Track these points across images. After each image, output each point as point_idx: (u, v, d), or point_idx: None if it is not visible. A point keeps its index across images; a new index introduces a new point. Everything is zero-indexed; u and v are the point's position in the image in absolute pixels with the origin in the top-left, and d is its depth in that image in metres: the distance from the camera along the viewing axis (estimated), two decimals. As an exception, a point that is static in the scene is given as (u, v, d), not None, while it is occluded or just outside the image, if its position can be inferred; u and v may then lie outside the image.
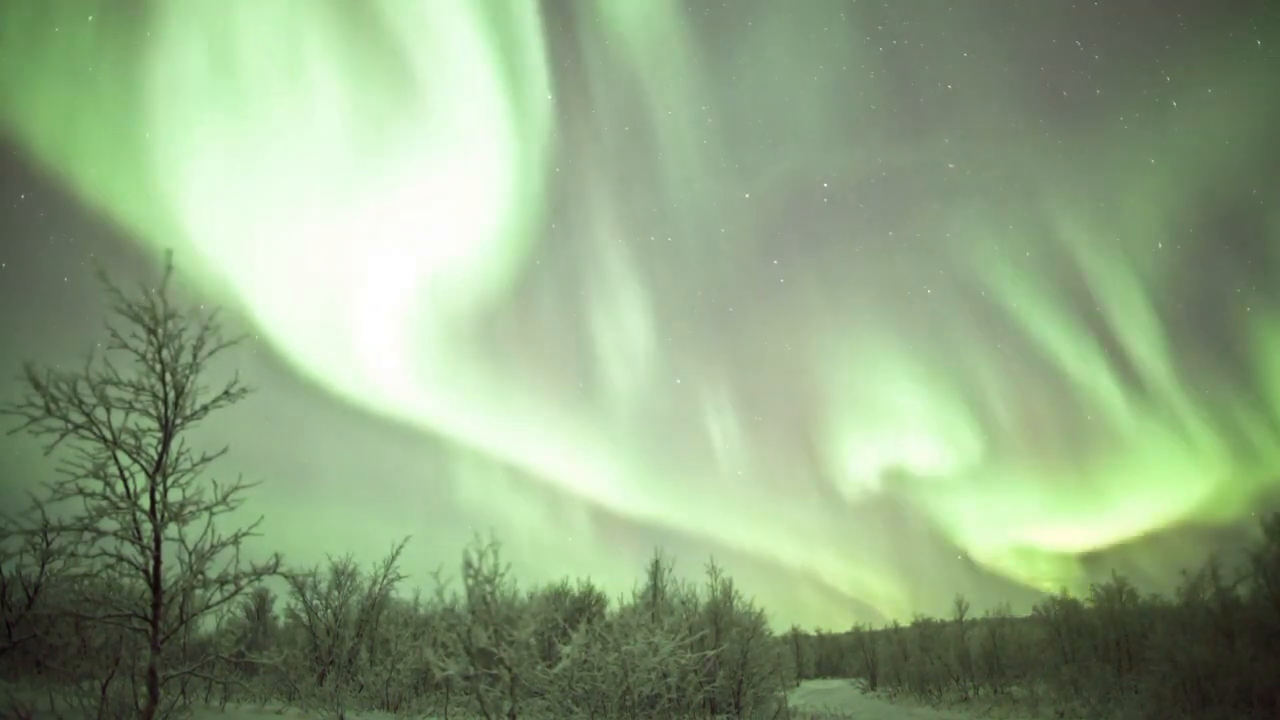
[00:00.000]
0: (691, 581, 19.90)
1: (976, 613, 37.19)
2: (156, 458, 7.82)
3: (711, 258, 65.12)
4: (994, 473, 61.56)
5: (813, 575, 61.89)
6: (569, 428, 63.80)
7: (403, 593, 22.70)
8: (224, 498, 8.07)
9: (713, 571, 19.58)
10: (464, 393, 60.73)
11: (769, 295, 69.00)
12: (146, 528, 7.76)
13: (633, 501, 64.38)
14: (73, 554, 7.61)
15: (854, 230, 67.41)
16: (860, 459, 68.10)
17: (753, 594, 19.63)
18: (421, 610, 23.93)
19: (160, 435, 7.87)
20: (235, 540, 8.11)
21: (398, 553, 20.98)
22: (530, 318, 65.34)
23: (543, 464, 62.31)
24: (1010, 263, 61.29)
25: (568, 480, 63.64)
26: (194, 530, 8.03)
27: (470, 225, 58.95)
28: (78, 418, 7.46)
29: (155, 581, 7.80)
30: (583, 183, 61.75)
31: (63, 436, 7.44)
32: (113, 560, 7.69)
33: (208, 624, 19.44)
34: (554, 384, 66.59)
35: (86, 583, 8.25)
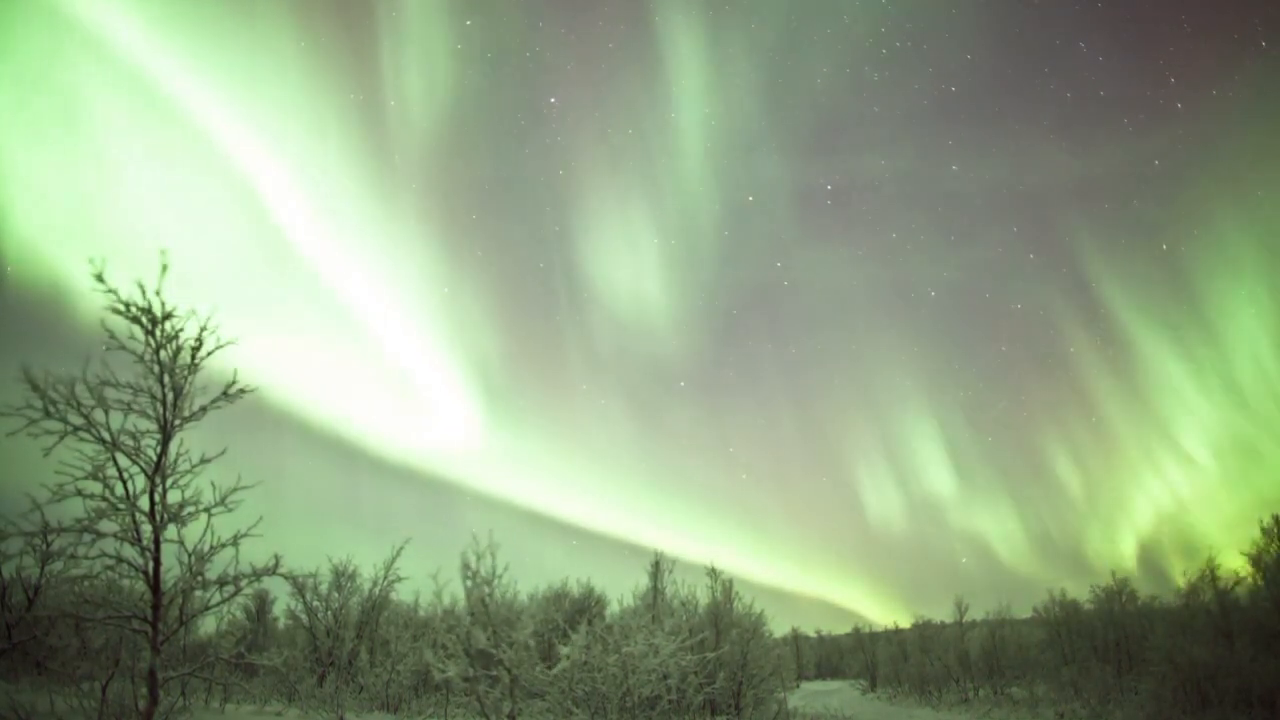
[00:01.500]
0: (691, 584, 19.89)
1: (977, 613, 37.17)
2: (155, 459, 7.83)
3: (714, 261, 65.03)
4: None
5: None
6: (566, 431, 63.66)
7: (403, 594, 22.78)
8: (223, 499, 8.09)
9: (713, 573, 19.59)
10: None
11: (771, 297, 68.99)
12: (146, 529, 7.77)
13: (629, 507, 63.95)
14: (72, 556, 7.61)
15: (857, 232, 67.34)
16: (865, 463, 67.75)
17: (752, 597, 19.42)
18: (421, 612, 23.96)
19: (159, 437, 7.88)
20: (235, 541, 8.12)
21: (398, 554, 21.05)
22: (529, 322, 65.30)
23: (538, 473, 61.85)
24: (1013, 264, 61.38)
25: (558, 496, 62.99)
26: (193, 531, 8.06)
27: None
28: (76, 420, 7.47)
29: (155, 583, 7.80)
30: (584, 186, 61.72)
31: (62, 438, 7.44)
32: (112, 562, 7.69)
33: (208, 625, 19.58)
34: (551, 388, 66.50)
35: (86, 584, 8.26)
